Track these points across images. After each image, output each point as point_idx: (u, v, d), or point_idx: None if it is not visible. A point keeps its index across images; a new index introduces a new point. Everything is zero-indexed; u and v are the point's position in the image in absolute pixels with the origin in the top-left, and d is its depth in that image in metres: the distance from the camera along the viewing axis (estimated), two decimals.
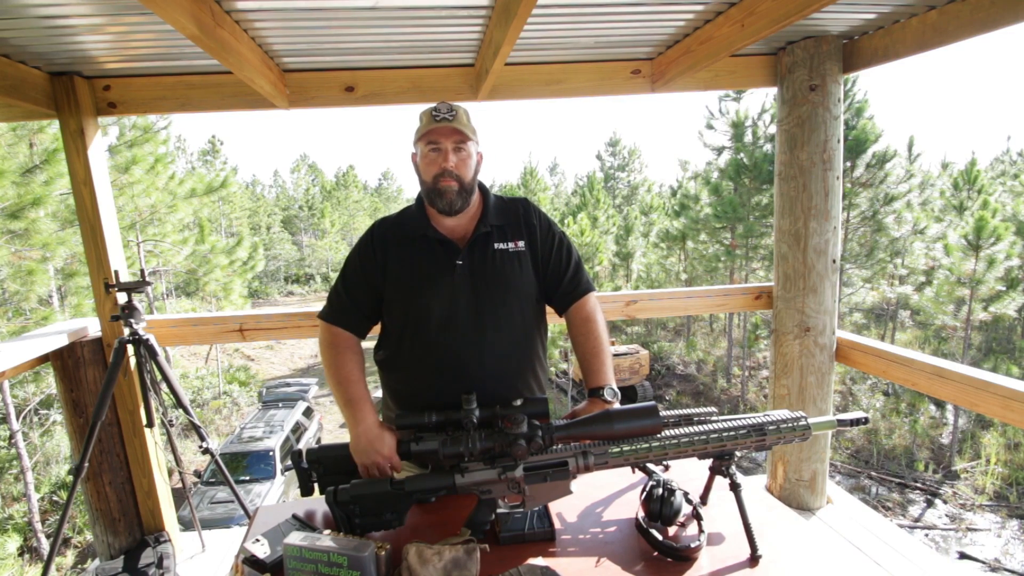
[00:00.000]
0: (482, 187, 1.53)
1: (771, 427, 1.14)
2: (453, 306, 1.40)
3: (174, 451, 2.51)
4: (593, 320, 1.50)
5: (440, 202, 1.40)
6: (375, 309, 1.51)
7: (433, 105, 1.40)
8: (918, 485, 11.82)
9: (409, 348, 1.45)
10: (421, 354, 1.43)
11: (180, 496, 7.99)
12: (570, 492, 1.15)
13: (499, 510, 1.20)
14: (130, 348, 2.19)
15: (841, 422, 1.17)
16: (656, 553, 1.14)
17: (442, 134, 1.37)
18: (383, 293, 1.48)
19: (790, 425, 1.14)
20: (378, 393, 1.72)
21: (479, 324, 1.41)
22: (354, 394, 1.40)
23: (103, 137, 2.31)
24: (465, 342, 1.40)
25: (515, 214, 1.51)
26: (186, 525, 6.61)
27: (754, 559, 1.11)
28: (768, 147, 15.06)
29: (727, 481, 1.18)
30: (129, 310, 2.15)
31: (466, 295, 1.41)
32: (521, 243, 1.48)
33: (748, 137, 15.43)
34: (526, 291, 1.48)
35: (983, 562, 9.37)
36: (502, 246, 1.46)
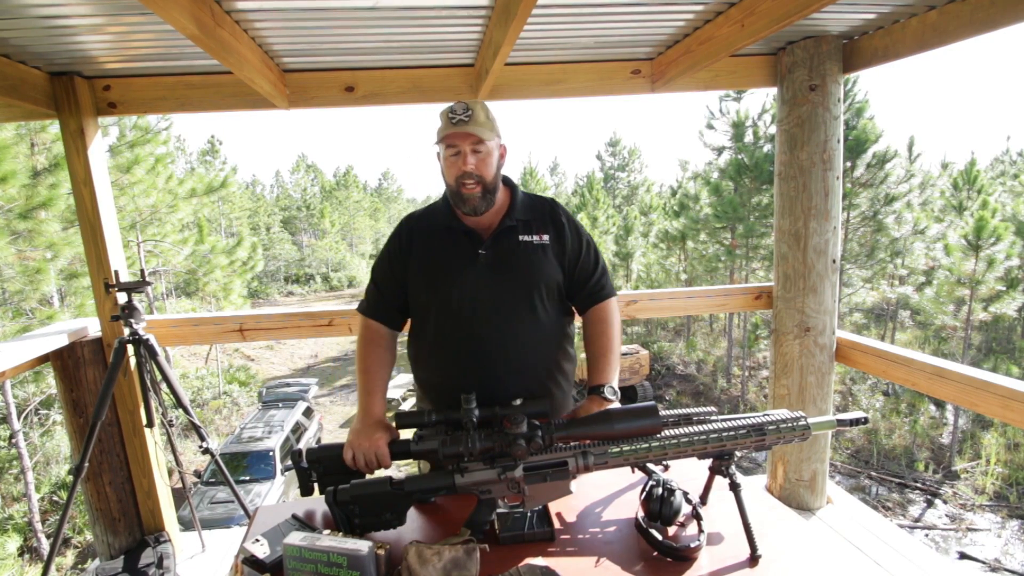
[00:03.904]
0: (509, 181, 1.53)
1: (771, 427, 1.14)
2: (475, 296, 1.41)
3: (174, 451, 2.51)
4: (609, 322, 1.51)
5: (464, 207, 1.42)
6: (406, 302, 1.53)
7: (450, 105, 1.39)
8: (918, 485, 11.81)
9: (434, 339, 1.46)
10: (446, 345, 1.44)
11: (180, 496, 7.98)
12: (570, 492, 1.15)
13: (499, 510, 1.20)
14: (130, 348, 2.19)
15: (841, 422, 1.17)
16: (656, 553, 1.14)
17: (458, 138, 1.37)
18: (409, 284, 1.49)
19: (790, 425, 1.14)
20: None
21: (502, 314, 1.41)
22: (370, 385, 1.45)
23: (103, 137, 2.31)
24: (489, 332, 1.40)
25: (542, 211, 1.52)
26: (186, 525, 6.60)
27: (754, 559, 1.11)
28: (768, 147, 15.04)
29: (727, 481, 1.18)
30: (129, 310, 2.15)
31: (489, 285, 1.41)
32: (546, 236, 1.48)
33: (748, 137, 15.41)
34: (550, 283, 1.47)
35: (983, 562, 9.36)
36: (527, 238, 1.46)
